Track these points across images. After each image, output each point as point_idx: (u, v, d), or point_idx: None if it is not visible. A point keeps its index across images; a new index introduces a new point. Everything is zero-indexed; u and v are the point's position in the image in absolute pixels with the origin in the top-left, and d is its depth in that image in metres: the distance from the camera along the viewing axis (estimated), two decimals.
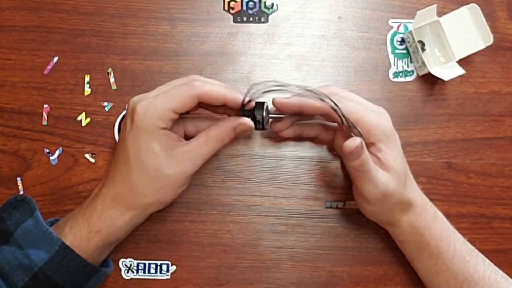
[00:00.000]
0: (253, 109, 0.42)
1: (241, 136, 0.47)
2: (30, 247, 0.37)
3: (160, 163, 0.38)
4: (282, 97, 0.41)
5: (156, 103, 0.38)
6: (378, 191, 0.40)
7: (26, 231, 0.38)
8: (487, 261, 0.42)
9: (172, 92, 0.38)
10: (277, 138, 0.48)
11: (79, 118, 0.48)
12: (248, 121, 0.41)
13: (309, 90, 0.40)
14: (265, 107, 0.42)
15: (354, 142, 0.37)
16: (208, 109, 0.44)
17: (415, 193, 0.42)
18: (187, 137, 0.41)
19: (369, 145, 0.40)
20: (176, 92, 0.38)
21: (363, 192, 0.40)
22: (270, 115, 0.44)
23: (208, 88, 0.39)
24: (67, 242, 0.38)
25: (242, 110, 0.41)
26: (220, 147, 0.40)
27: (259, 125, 0.42)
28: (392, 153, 0.40)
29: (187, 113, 0.41)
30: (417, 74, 0.49)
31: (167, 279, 0.46)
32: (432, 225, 0.42)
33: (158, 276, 0.46)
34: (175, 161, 0.39)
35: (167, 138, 0.39)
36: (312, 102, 0.40)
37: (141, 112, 0.38)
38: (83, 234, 0.39)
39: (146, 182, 0.39)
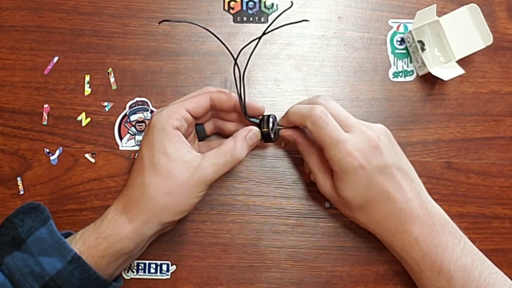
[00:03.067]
0: (260, 122, 0.43)
1: (255, 148, 0.47)
2: (43, 255, 0.37)
3: (172, 164, 0.39)
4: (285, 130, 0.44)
5: (171, 105, 0.42)
6: (320, 189, 0.43)
7: (39, 239, 0.38)
8: (487, 272, 0.39)
9: (186, 96, 0.43)
10: None
11: (79, 118, 0.48)
12: (255, 129, 0.42)
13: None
14: (271, 119, 0.43)
15: (285, 131, 0.44)
16: (220, 117, 0.45)
17: (388, 218, 0.40)
18: None
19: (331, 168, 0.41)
20: (190, 95, 0.43)
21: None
22: (277, 127, 0.44)
23: (218, 90, 0.43)
24: (77, 249, 0.38)
25: (249, 120, 0.43)
26: (233, 162, 0.40)
27: (267, 137, 0.43)
28: (344, 185, 0.40)
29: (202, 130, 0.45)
30: (417, 74, 0.49)
31: (167, 278, 0.46)
32: (411, 247, 0.40)
33: (158, 276, 0.46)
34: (186, 166, 0.39)
35: (180, 140, 0.40)
36: (293, 116, 0.42)
37: (157, 113, 0.41)
38: (92, 240, 0.39)
39: (157, 183, 0.39)
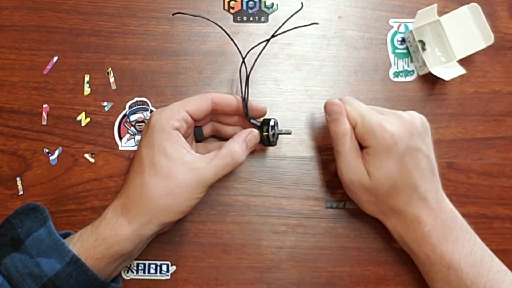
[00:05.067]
0: (261, 125, 0.43)
1: (255, 149, 0.46)
2: (41, 256, 0.37)
3: (172, 165, 0.39)
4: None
5: (172, 105, 0.41)
6: (347, 177, 0.42)
7: (38, 240, 0.37)
8: (496, 269, 0.40)
9: (188, 98, 0.42)
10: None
11: (78, 118, 0.47)
12: (255, 131, 0.42)
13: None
14: (271, 123, 0.43)
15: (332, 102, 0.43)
16: (220, 120, 0.45)
17: (407, 205, 0.41)
18: None
19: (363, 146, 0.42)
20: (192, 97, 0.42)
21: (338, 172, 0.43)
22: (277, 131, 0.44)
23: (221, 93, 0.42)
24: (75, 250, 0.38)
25: (249, 121, 0.43)
26: (233, 164, 0.40)
27: (265, 141, 0.43)
28: (378, 162, 0.40)
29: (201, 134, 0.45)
30: (418, 73, 0.49)
31: (167, 279, 0.46)
32: (422, 239, 0.40)
33: (158, 276, 0.46)
34: (187, 167, 0.39)
35: (180, 141, 0.40)
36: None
37: (156, 113, 0.41)
38: (90, 242, 0.38)
39: (157, 184, 0.39)
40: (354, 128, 0.42)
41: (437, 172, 0.43)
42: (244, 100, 0.42)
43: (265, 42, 0.41)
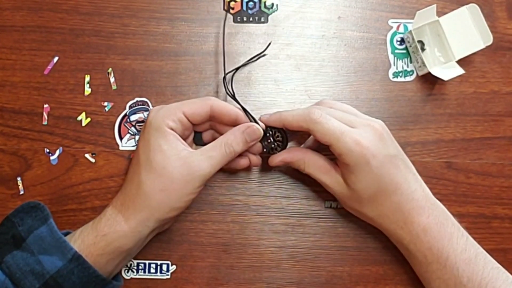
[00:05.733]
0: (267, 128, 0.44)
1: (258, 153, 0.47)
2: (43, 253, 0.37)
3: (167, 161, 0.39)
4: (267, 114, 0.44)
5: (169, 105, 0.42)
6: (331, 190, 0.43)
7: (39, 238, 0.38)
8: (490, 266, 0.40)
9: (188, 100, 0.42)
10: None
11: (79, 118, 0.48)
12: (256, 126, 0.42)
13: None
14: (271, 132, 0.44)
15: (273, 160, 0.44)
16: (220, 130, 0.44)
17: (396, 209, 0.41)
18: None
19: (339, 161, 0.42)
20: (191, 100, 0.42)
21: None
22: (279, 139, 0.45)
23: (222, 102, 0.42)
24: (76, 247, 0.38)
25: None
26: (229, 154, 0.41)
27: (275, 148, 0.44)
28: (358, 178, 0.40)
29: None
30: (417, 74, 0.49)
31: (167, 278, 0.46)
32: (418, 238, 0.41)
33: (158, 276, 0.46)
34: (182, 162, 0.39)
35: (175, 139, 0.40)
36: (290, 118, 0.42)
37: (154, 111, 0.41)
38: (91, 238, 0.39)
39: (152, 180, 0.39)
40: (328, 146, 0.41)
41: (415, 170, 0.43)
42: (247, 111, 0.43)
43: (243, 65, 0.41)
